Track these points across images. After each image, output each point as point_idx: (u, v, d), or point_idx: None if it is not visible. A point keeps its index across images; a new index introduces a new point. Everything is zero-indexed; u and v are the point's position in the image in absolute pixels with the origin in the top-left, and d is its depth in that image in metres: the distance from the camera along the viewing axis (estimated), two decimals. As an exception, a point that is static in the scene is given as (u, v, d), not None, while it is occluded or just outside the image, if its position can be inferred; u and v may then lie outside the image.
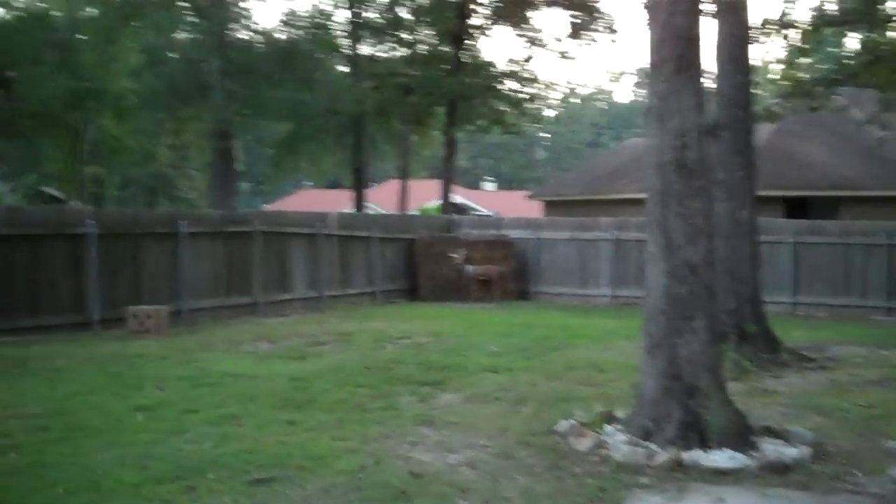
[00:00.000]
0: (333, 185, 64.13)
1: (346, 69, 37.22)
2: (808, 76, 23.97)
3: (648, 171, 8.61)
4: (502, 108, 30.78)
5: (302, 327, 16.67)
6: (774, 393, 11.32)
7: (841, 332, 17.20)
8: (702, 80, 8.56)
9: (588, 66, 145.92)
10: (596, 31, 27.37)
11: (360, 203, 38.20)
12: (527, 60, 30.31)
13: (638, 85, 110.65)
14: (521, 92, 30.80)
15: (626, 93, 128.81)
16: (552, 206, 34.56)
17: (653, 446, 8.07)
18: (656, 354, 8.43)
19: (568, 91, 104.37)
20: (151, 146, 28.05)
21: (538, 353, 13.86)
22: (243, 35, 30.14)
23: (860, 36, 24.51)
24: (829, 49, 44.62)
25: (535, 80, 30.21)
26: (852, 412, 10.19)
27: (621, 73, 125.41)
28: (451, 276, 22.77)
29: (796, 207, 25.62)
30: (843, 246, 20.47)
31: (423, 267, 22.97)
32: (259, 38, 30.05)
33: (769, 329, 14.00)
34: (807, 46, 22.91)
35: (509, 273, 23.15)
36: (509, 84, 30.45)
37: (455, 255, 22.46)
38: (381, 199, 53.14)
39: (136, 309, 15.66)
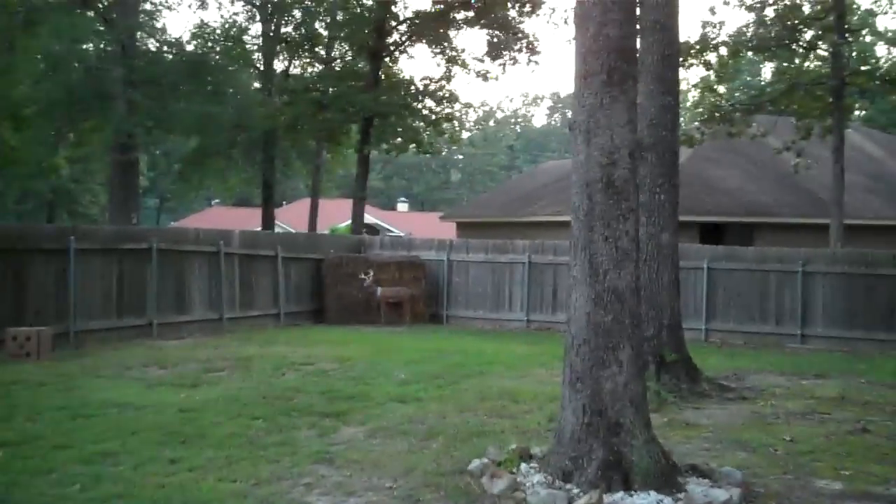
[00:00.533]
0: (244, 202, 62.74)
1: (258, 84, 36.23)
2: (726, 102, 23.85)
3: (573, 191, 7.94)
4: (419, 126, 30.06)
5: (198, 351, 15.62)
6: (696, 426, 10.76)
7: (758, 361, 16.84)
8: (635, 95, 7.94)
9: (505, 89, 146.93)
10: (518, 51, 26.86)
11: (268, 221, 37.07)
12: (446, 79, 29.69)
13: (552, 109, 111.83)
14: (438, 112, 30.14)
15: (541, 117, 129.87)
16: (466, 227, 34.02)
17: (573, 488, 7.40)
18: (578, 388, 7.73)
19: (485, 113, 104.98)
20: (49, 158, 26.51)
21: (450, 381, 13.09)
22: (151, 45, 28.90)
23: (779, 63, 24.51)
24: (748, 78, 45.27)
25: (453, 100, 29.56)
26: (778, 447, 9.66)
27: (537, 98, 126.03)
28: (360, 297, 21.90)
29: (711, 233, 25.45)
30: (759, 272, 20.21)
31: (330, 288, 22.06)
32: (167, 48, 28.81)
33: (689, 357, 13.49)
34: (725, 71, 22.76)
35: (420, 295, 22.39)
36: (427, 103, 29.74)
37: (364, 277, 21.61)
38: (292, 218, 52.03)
39: (16, 330, 14.45)
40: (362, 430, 9.72)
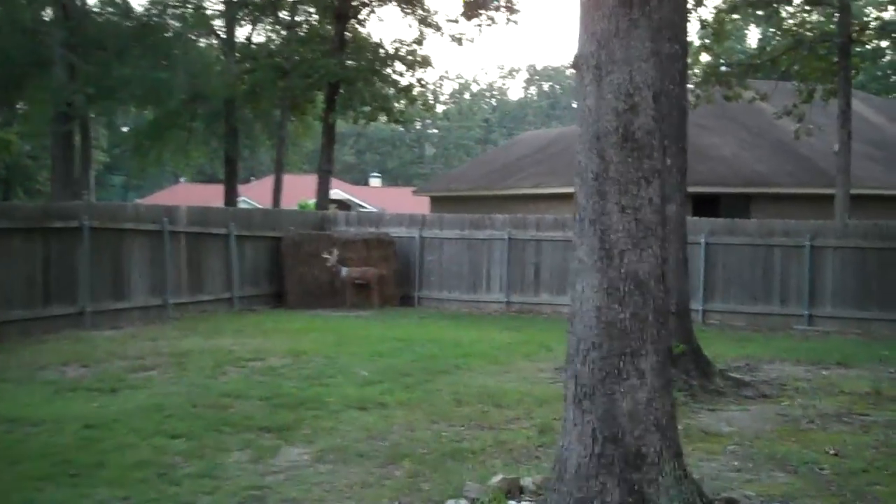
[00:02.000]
0: (213, 179, 60.35)
1: (219, 54, 33.97)
2: (722, 63, 21.93)
3: (579, 147, 5.98)
4: (388, 93, 27.86)
5: (132, 345, 13.59)
6: (717, 435, 8.87)
7: (767, 347, 15.01)
8: (659, 19, 5.96)
9: (480, 61, 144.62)
10: (495, 9, 24.79)
11: (231, 198, 34.89)
12: (418, 43, 27.47)
13: (528, 82, 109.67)
14: (410, 77, 27.96)
15: (517, 90, 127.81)
16: (440, 201, 31.98)
17: (581, 544, 5.50)
18: (586, 407, 5.81)
19: (460, 85, 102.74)
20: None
21: (420, 379, 11.14)
22: (95, 6, 26.56)
23: (778, 20, 22.57)
24: (738, 46, 43.31)
25: (425, 64, 27.31)
26: (824, 465, 7.79)
27: (513, 70, 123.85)
28: (324, 279, 19.89)
29: (705, 204, 23.58)
30: (762, 247, 18.37)
31: (290, 269, 20.01)
32: (112, 10, 26.44)
33: (699, 348, 11.62)
34: (722, 28, 20.81)
35: (390, 276, 20.41)
36: (397, 67, 27.52)
37: (328, 256, 19.60)
38: (260, 195, 49.68)
39: (-87, 323, 12.38)
40: (308, 452, 7.75)
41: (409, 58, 27.12)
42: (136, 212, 17.17)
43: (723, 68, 21.67)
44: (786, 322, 17.98)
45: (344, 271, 19.62)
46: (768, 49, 22.10)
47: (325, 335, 14.86)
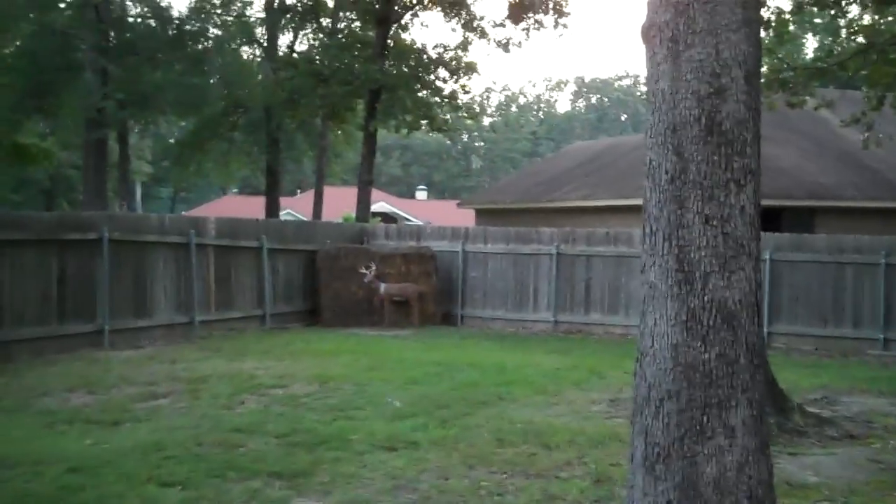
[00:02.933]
0: (259, 191, 59.58)
1: (257, 59, 33.21)
2: (785, 67, 20.47)
3: (649, 142, 4.77)
4: (431, 101, 26.73)
5: (147, 367, 12.54)
6: (804, 488, 7.55)
7: (843, 376, 13.59)
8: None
9: (527, 72, 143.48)
10: (543, 12, 23.57)
11: (273, 209, 34.10)
12: (462, 48, 26.27)
13: (576, 95, 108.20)
14: (454, 84, 26.76)
15: (565, 102, 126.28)
16: (485, 214, 30.81)
17: None
18: (660, 473, 4.57)
19: (507, 98, 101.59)
20: (8, 137, 23.47)
21: (458, 412, 9.92)
22: (132, 10, 25.81)
23: (850, 17, 21.07)
24: (795, 55, 41.63)
25: (470, 70, 26.12)
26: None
27: (561, 82, 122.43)
28: (361, 296, 18.77)
29: (767, 218, 22.08)
30: (832, 265, 16.94)
31: (326, 285, 18.93)
32: (149, 14, 25.67)
33: (775, 381, 10.26)
34: (786, 30, 19.39)
35: (431, 293, 19.24)
36: (440, 73, 26.34)
37: (365, 271, 18.49)
38: (306, 208, 48.81)
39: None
40: (322, 508, 6.60)
41: (453, 64, 25.97)
42: (161, 223, 16.17)
43: (787, 73, 20.20)
44: (858, 346, 16.51)
45: (382, 287, 18.51)
46: (835, 53, 20.51)
47: (357, 358, 13.71)
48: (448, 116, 28.01)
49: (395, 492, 6.94)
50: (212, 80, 22.79)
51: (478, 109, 35.99)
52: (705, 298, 4.51)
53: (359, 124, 27.96)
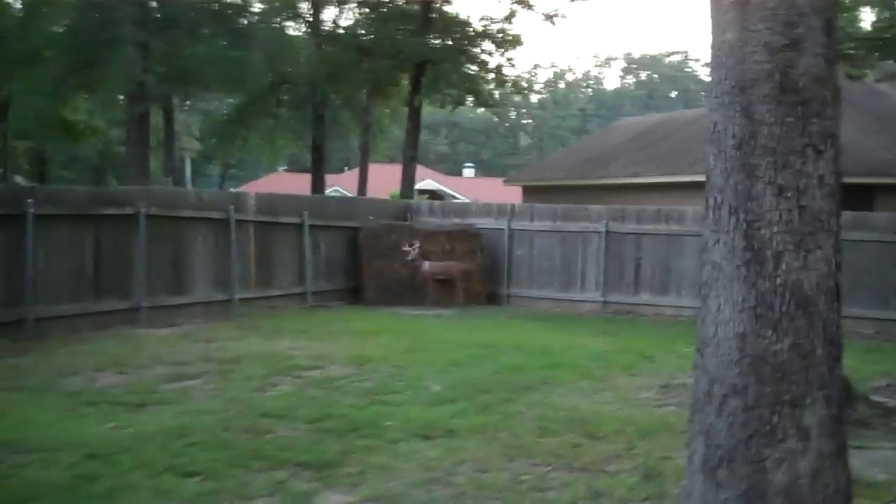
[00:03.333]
0: (308, 168, 59.24)
1: (300, 33, 32.73)
2: (849, 33, 19.57)
3: (712, 102, 4.19)
4: (477, 75, 26.09)
5: (182, 346, 12.19)
6: (873, 486, 6.96)
7: (909, 361, 12.88)
8: None
9: (575, 49, 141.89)
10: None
11: (319, 186, 33.71)
12: (508, 20, 25.60)
13: (625, 71, 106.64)
14: (500, 57, 26.06)
15: (613, 79, 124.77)
16: (532, 191, 30.17)
17: None
18: (722, 479, 4.03)
19: (554, 74, 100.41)
20: (47, 111, 23.19)
21: (500, 397, 9.41)
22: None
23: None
24: (848, 30, 40.26)
25: (516, 43, 25.43)
26: None
27: (609, 58, 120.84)
28: (403, 274, 18.33)
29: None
30: (894, 245, 16.15)
31: (368, 263, 18.49)
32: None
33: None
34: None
35: (475, 271, 18.73)
36: (485, 46, 25.64)
37: (408, 249, 18.03)
38: (353, 185, 48.40)
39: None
40: (350, 502, 6.13)
41: (499, 36, 25.28)
42: (199, 199, 15.80)
43: (848, 45, 19.33)
44: (924, 330, 15.74)
45: (426, 265, 18.05)
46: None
47: (398, 338, 13.25)
48: (494, 91, 27.31)
49: (429, 485, 6.46)
50: (255, 56, 22.29)
51: (525, 85, 35.09)
52: (777, 281, 3.95)
53: (404, 99, 27.43)
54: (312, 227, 17.75)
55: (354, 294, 18.66)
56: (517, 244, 19.19)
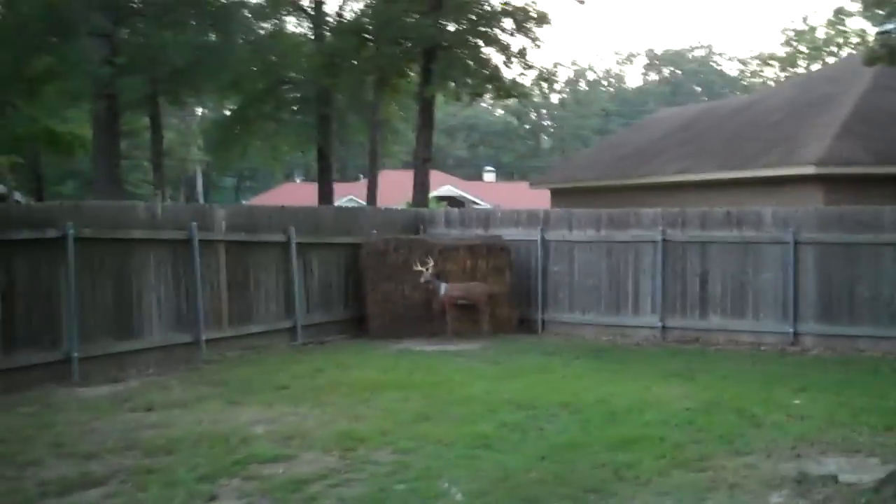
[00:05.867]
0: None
1: (307, 30, 29.49)
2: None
3: None
4: (494, 64, 22.58)
5: (107, 420, 8.84)
6: None
7: None
8: None
9: (596, 46, 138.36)
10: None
11: (326, 195, 30.44)
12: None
13: (648, 68, 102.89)
14: (523, 38, 22.45)
15: (635, 76, 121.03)
16: (562, 195, 26.60)
17: None
18: None
19: (575, 73, 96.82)
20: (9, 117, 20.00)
21: (557, 514, 6.04)
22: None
23: None
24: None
25: (541, 21, 21.87)
26: None
27: (631, 55, 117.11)
28: (416, 299, 15.03)
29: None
30: None
31: (373, 287, 15.16)
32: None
33: None
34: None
35: (504, 293, 15.38)
36: (505, 25, 22.02)
37: (421, 269, 14.71)
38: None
39: None
40: None
41: (521, 14, 21.73)
42: (152, 215, 12.41)
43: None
44: None
45: (443, 288, 14.73)
46: None
47: (406, 396, 9.88)
48: (518, 80, 23.72)
49: None
50: (236, 43, 18.99)
51: (553, 71, 31.55)
52: None
53: (414, 93, 24.02)
54: (302, 245, 14.44)
55: (357, 325, 15.35)
56: (553, 259, 15.80)
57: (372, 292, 15.14)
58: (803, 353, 13.24)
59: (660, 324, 14.79)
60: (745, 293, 14.25)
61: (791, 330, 13.76)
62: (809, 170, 17.54)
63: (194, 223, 12.66)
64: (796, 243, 13.76)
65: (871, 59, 16.73)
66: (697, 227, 14.68)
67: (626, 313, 15.20)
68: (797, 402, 9.62)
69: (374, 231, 15.75)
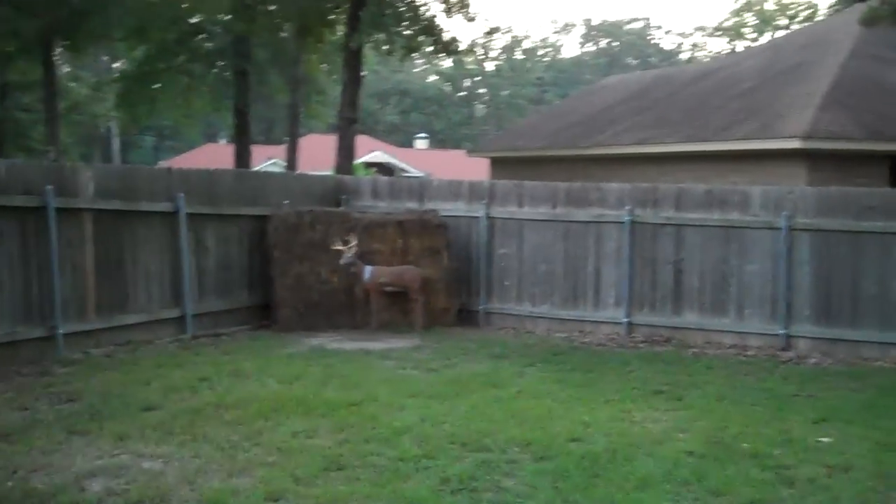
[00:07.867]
0: (256, 139, 52.30)
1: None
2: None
3: None
4: (434, 10, 20.01)
5: None
6: None
7: None
8: None
9: (532, 14, 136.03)
10: None
11: (243, 158, 27.63)
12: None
13: (585, 38, 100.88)
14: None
15: (572, 46, 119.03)
16: (502, 164, 24.14)
17: None
18: None
19: (512, 40, 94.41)
20: None
21: None
22: None
23: None
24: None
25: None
26: None
27: (567, 25, 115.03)
28: (335, 284, 12.51)
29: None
30: None
31: (283, 269, 12.54)
32: None
33: None
34: None
35: (440, 279, 12.91)
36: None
37: (341, 248, 12.17)
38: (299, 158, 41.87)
39: None
40: None
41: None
42: (-6, 175, 9.67)
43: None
44: None
45: (367, 272, 12.23)
46: None
47: (313, 427, 7.34)
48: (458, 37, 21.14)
49: None
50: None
51: (493, 30, 28.94)
52: None
53: (341, 45, 21.25)
54: (195, 216, 11.75)
55: (263, 314, 12.74)
56: (500, 239, 13.34)
57: (281, 275, 12.50)
58: (800, 360, 11.01)
59: (625, 319, 12.46)
60: (728, 287, 11.98)
61: (782, 332, 11.54)
62: (794, 143, 15.37)
63: (50, 187, 9.89)
64: (790, 229, 11.52)
65: (872, 18, 14.59)
66: (672, 208, 12.33)
67: (586, 306, 12.83)
68: (825, 439, 7.36)
69: (287, 202, 13.06)
